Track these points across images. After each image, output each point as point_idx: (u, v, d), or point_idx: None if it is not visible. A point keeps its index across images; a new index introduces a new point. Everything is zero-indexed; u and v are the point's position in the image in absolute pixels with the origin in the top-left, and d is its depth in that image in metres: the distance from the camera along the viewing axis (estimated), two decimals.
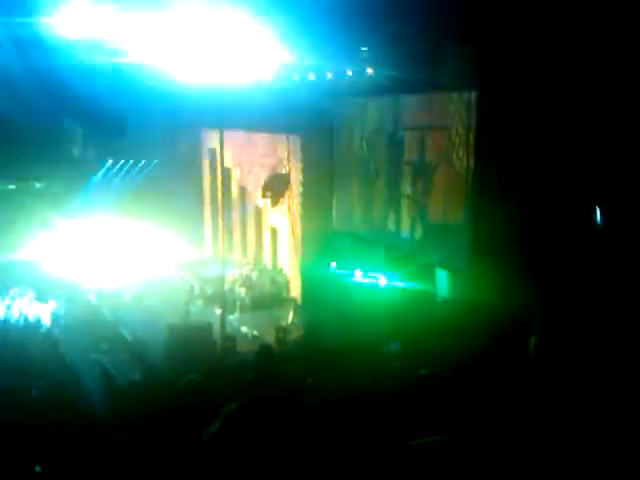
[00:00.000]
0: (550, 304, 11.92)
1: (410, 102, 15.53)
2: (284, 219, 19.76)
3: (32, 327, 16.60)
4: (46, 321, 16.99)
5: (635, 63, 10.15)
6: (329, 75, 16.80)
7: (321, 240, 18.04)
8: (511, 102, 12.12)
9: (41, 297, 18.21)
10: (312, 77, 17.43)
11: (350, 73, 16.15)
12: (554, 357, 11.49)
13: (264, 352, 12.91)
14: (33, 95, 22.58)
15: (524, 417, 9.52)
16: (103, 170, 25.23)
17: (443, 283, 14.38)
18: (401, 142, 15.81)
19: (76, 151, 26.53)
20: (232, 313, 17.84)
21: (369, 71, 15.58)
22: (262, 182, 20.20)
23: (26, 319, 17.02)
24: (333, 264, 17.34)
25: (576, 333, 11.31)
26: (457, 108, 13.78)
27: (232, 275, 19.12)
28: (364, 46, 14.99)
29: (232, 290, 18.57)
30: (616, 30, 10.22)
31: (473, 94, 13.32)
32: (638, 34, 9.92)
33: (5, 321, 16.80)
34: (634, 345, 10.37)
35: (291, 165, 18.92)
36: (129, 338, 16.45)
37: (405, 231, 15.68)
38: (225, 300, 16.93)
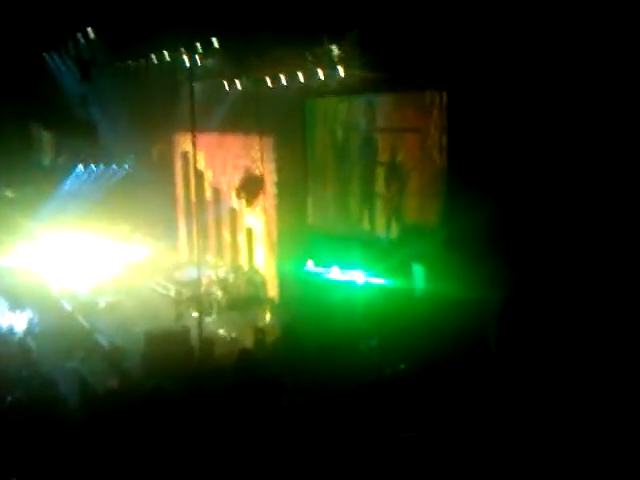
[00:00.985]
0: (516, 297, 12.11)
1: (383, 103, 15.47)
2: (259, 220, 19.69)
3: (5, 336, 16.36)
4: (20, 329, 16.75)
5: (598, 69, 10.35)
6: (300, 75, 16.82)
7: (297, 239, 18.01)
8: (481, 101, 12.24)
9: (14, 305, 17.96)
10: (283, 78, 17.47)
11: (321, 73, 16.17)
12: (515, 349, 11.71)
13: (244, 358, 12.88)
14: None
15: (489, 410, 9.69)
16: (74, 176, 25.04)
17: (419, 279, 14.43)
18: (374, 143, 15.76)
19: (46, 158, 26.34)
20: (209, 316, 17.75)
21: (340, 70, 15.58)
22: (236, 183, 20.12)
23: None
24: (310, 263, 17.34)
25: (539, 326, 11.52)
26: (429, 109, 13.78)
27: (208, 277, 19.02)
28: (334, 45, 15.01)
29: (208, 293, 18.47)
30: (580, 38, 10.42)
31: (445, 95, 13.32)
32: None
33: None
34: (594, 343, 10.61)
35: (265, 166, 18.87)
36: (105, 345, 16.29)
37: (381, 229, 15.67)
38: (202, 303, 16.85)
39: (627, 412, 9.23)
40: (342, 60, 15.47)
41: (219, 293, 18.71)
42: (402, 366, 12.42)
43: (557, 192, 11.39)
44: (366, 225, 16.06)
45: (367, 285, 15.67)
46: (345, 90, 16.22)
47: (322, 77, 16.22)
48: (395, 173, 15.04)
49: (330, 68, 15.88)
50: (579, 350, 10.81)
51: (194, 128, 16.61)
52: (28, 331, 16.79)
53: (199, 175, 20.81)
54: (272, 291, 18.88)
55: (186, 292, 18.80)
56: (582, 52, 10.60)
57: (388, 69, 14.19)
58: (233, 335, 16.58)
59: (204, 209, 21.96)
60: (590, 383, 10.07)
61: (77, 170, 25.12)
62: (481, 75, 12.14)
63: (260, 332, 15.91)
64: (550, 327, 11.39)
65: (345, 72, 15.63)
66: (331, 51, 15.49)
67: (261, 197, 19.03)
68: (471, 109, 12.58)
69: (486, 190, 12.20)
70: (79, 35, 21.31)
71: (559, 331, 11.26)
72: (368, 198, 16.00)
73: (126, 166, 25.01)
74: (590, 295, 11.00)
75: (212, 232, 22.66)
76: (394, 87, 14.60)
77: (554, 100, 11.15)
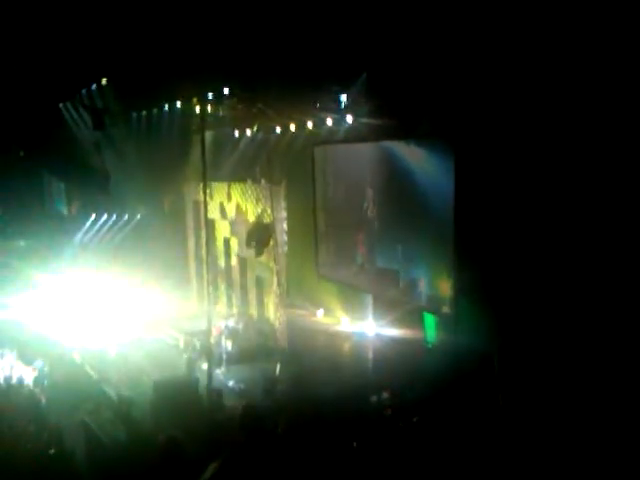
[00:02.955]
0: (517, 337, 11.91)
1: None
2: (269, 269, 19.61)
3: (15, 388, 16.22)
4: (29, 381, 16.62)
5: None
6: (309, 123, 16.89)
7: (307, 289, 17.88)
8: (490, 151, 12.11)
9: (24, 357, 17.85)
10: (292, 126, 17.55)
11: (330, 120, 16.22)
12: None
13: (248, 413, 12.61)
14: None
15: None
16: (87, 226, 25.17)
17: (431, 329, 14.19)
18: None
19: (60, 207, 26.52)
20: (219, 367, 17.57)
21: (348, 118, 15.62)
22: (246, 232, 20.10)
23: (8, 380, 16.65)
24: (320, 313, 17.18)
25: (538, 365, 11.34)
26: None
27: (218, 328, 18.86)
28: (342, 93, 15.07)
29: (218, 343, 18.31)
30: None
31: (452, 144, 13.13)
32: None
33: None
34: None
35: (275, 214, 18.85)
36: (114, 397, 16.11)
37: (391, 291, 15.39)
38: (211, 354, 16.67)
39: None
40: (350, 108, 15.52)
41: (229, 344, 18.57)
42: (415, 419, 12.18)
43: (570, 241, 11.21)
44: (377, 273, 15.83)
45: (378, 336, 15.47)
46: (353, 137, 16.24)
47: (331, 125, 16.29)
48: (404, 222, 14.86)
49: (338, 115, 15.94)
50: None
51: (205, 177, 16.63)
52: (37, 382, 16.66)
53: (210, 224, 20.83)
54: (282, 341, 18.71)
55: (196, 342, 18.64)
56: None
57: (395, 116, 14.20)
58: (242, 386, 16.37)
59: (215, 258, 21.93)
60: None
61: (90, 219, 25.28)
62: (491, 124, 12.04)
63: (270, 383, 15.71)
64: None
65: (353, 119, 15.68)
66: (339, 99, 15.55)
67: (271, 246, 18.97)
68: (479, 158, 12.46)
69: (496, 240, 12.06)
70: (93, 84, 21.56)
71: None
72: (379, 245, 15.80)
73: (138, 215, 25.14)
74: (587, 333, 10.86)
75: (223, 282, 22.59)
76: (401, 135, 14.56)
77: (567, 154, 11.01)
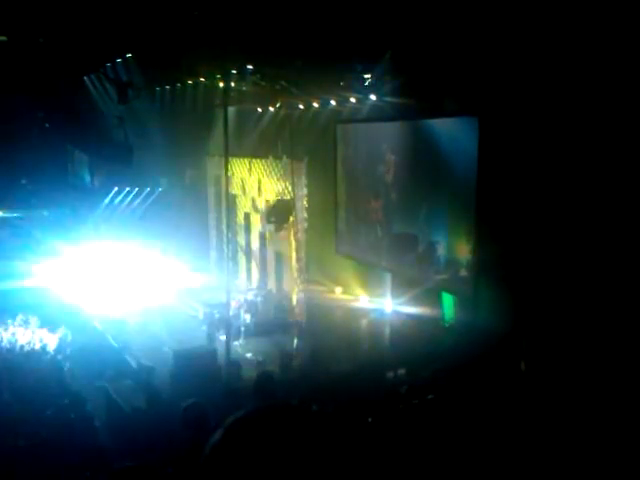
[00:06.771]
0: (543, 323, 11.91)
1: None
2: (289, 244, 19.76)
3: (37, 354, 16.52)
4: (51, 348, 16.91)
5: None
6: (332, 101, 16.95)
7: (326, 265, 18.00)
8: (515, 128, 12.06)
9: (46, 324, 18.16)
10: (315, 104, 17.61)
11: (353, 99, 16.27)
12: (543, 376, 11.52)
13: (263, 380, 12.79)
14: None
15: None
16: (109, 198, 25.42)
17: (449, 308, 14.30)
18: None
19: (83, 180, 26.75)
20: (237, 339, 17.80)
21: (371, 97, 15.66)
22: (267, 208, 20.25)
23: (31, 346, 16.95)
24: (338, 289, 17.32)
25: (564, 349, 11.31)
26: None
27: (237, 301, 19.08)
28: (366, 72, 15.08)
29: (237, 316, 18.53)
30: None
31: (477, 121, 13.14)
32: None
33: (10, 348, 16.74)
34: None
35: (296, 191, 18.96)
36: (134, 365, 16.39)
37: (409, 256, 15.52)
38: (230, 326, 16.92)
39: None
40: (373, 86, 15.54)
41: (247, 317, 18.78)
42: (430, 397, 12.28)
43: (594, 221, 11.14)
44: (396, 251, 15.93)
45: (395, 313, 15.59)
46: (377, 116, 16.28)
47: (354, 102, 16.35)
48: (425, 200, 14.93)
49: (362, 94, 15.98)
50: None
51: (227, 152, 16.76)
52: (59, 350, 16.95)
53: (231, 199, 20.98)
54: (300, 316, 18.89)
55: (215, 314, 18.87)
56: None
57: (419, 95, 14.21)
58: (260, 359, 16.59)
59: (235, 232, 22.10)
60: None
61: (112, 192, 25.52)
62: (516, 99, 11.95)
63: (287, 357, 15.91)
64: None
65: (377, 98, 15.71)
66: (363, 77, 15.57)
67: (291, 222, 19.11)
68: (504, 136, 12.42)
69: (518, 220, 12.05)
70: (118, 58, 21.65)
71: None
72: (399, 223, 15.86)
73: (159, 189, 25.37)
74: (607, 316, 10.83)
75: (242, 256, 22.78)
76: (426, 113, 14.58)
77: (593, 129, 10.90)
